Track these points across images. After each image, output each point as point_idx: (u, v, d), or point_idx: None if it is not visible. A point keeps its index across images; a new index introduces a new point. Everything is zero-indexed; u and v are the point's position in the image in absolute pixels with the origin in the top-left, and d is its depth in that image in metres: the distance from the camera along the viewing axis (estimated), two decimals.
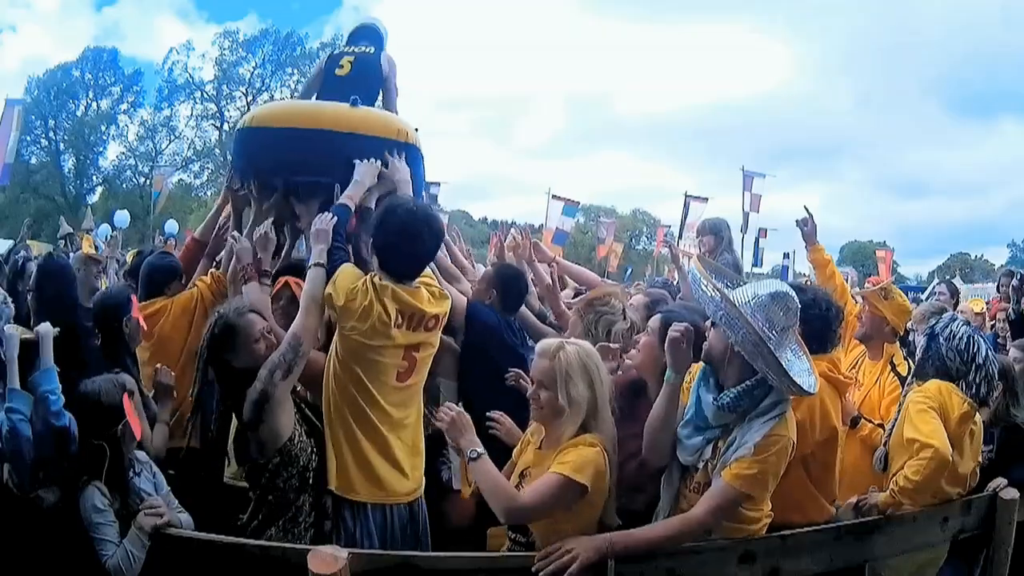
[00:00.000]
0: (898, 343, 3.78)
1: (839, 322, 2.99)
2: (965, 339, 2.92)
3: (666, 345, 2.37)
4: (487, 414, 2.74)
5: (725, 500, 2.24)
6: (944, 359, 2.94)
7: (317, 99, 3.87)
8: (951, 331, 2.97)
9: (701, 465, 2.34)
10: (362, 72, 3.79)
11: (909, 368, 3.41)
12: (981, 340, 2.95)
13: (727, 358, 2.31)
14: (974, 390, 2.87)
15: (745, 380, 2.28)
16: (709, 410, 2.32)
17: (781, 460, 2.26)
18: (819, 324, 2.77)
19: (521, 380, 3.02)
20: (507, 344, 3.38)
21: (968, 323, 3.04)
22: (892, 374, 3.51)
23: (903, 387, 3.28)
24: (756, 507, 2.37)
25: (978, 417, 2.97)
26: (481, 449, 2.28)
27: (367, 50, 3.92)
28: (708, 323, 2.38)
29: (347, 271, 2.65)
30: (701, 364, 2.43)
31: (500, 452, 2.57)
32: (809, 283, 3.53)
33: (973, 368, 2.89)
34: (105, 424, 2.51)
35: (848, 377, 2.99)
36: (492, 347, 3.32)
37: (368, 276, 2.64)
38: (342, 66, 3.81)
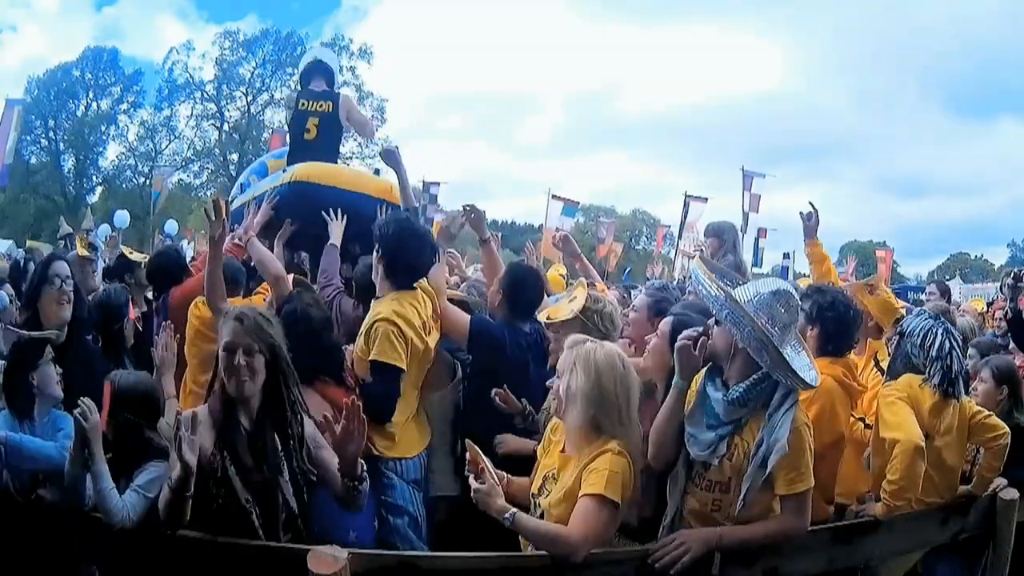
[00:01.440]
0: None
1: (857, 325, 3.03)
2: (923, 333, 2.95)
3: (675, 352, 2.40)
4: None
5: (805, 502, 2.33)
6: (909, 355, 2.99)
7: (288, 159, 4.44)
8: (913, 326, 3.01)
9: (716, 462, 2.35)
10: (327, 134, 4.30)
11: None
12: (940, 333, 2.93)
13: (731, 355, 2.35)
14: (935, 381, 2.87)
15: (749, 375, 2.32)
16: (720, 406, 2.35)
17: (808, 443, 2.34)
18: (837, 326, 2.86)
19: (508, 401, 3.02)
20: (512, 363, 3.15)
21: (936, 317, 3.03)
22: (875, 369, 3.52)
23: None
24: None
25: (971, 405, 2.98)
26: (510, 512, 2.23)
27: (326, 108, 4.30)
28: (712, 321, 2.40)
29: (384, 335, 2.90)
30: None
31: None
32: (831, 284, 3.53)
33: (929, 360, 2.90)
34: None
35: (862, 386, 3.01)
36: (499, 366, 3.13)
37: (390, 317, 2.91)
38: (309, 130, 4.30)
